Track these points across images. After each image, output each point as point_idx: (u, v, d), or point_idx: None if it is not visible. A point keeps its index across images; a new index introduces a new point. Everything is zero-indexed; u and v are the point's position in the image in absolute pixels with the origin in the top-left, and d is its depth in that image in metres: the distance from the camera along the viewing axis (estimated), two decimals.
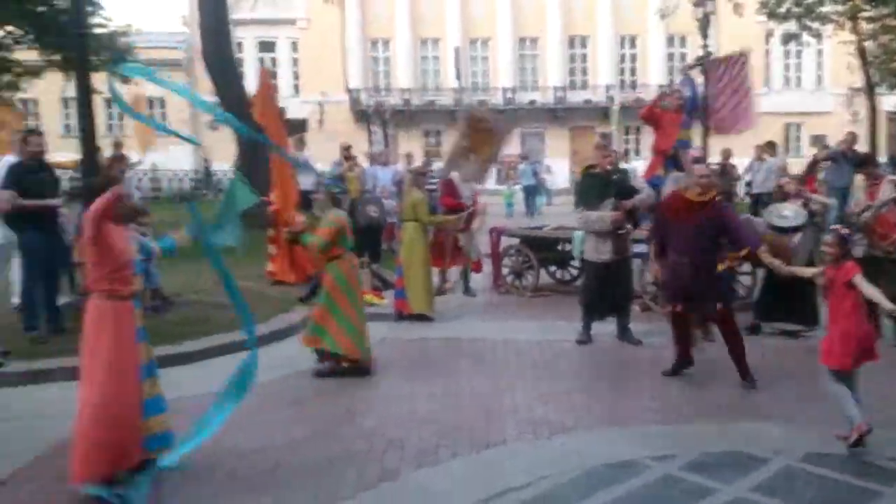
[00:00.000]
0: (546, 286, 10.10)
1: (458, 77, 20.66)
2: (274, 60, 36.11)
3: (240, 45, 32.99)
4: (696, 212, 5.97)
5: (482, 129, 9.45)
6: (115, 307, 4.12)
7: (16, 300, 7.60)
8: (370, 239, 9.61)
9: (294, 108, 29.10)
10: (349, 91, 35.37)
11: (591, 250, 7.40)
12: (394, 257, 9.23)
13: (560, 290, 9.98)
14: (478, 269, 9.86)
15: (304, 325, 6.69)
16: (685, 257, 5.92)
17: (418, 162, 15.52)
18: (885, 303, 4.45)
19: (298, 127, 26.41)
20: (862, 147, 15.22)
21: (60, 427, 4.53)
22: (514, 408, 5.49)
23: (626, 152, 26.55)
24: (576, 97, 36.17)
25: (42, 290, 7.01)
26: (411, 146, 33.23)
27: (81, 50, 7.57)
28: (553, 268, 10.59)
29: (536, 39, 36.94)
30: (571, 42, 36.95)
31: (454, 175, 9.69)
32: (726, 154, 14.36)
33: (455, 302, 9.31)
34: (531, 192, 22.84)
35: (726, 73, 10.04)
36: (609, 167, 7.54)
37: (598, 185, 7.41)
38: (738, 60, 10.08)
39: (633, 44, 36.96)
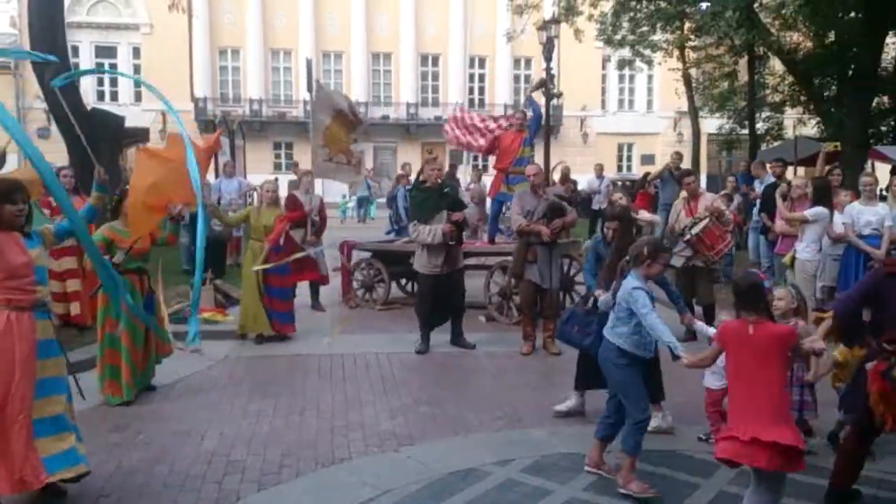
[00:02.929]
0: (397, 299, 10.18)
1: (311, 89, 20.40)
2: (114, 66, 34.15)
3: (75, 49, 31.01)
4: None
5: (340, 120, 9.30)
6: (11, 318, 3.80)
7: None
8: (214, 254, 9.27)
9: (134, 117, 27.61)
10: (194, 100, 34.07)
11: (424, 263, 7.56)
12: (239, 273, 8.94)
13: (410, 303, 10.06)
14: (325, 281, 9.75)
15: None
16: None
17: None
18: None
19: (139, 136, 25.12)
20: (686, 166, 16.52)
21: None
22: (361, 422, 5.47)
23: (477, 168, 27.28)
24: (427, 113, 36.81)
25: None
26: (260, 158, 32.57)
27: None
28: (404, 280, 10.69)
29: (390, 55, 37.30)
30: (424, 60, 37.62)
31: (295, 191, 9.60)
32: (565, 171, 15.09)
33: (303, 317, 9.15)
34: (363, 203, 26.02)
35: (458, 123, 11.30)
36: (439, 181, 7.76)
37: (431, 199, 7.58)
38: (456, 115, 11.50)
39: (482, 64, 38.15)
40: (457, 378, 6.81)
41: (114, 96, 34.92)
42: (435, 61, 37.70)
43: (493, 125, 10.96)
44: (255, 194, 9.61)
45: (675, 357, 3.93)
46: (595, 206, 16.13)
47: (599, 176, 17.05)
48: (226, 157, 13.56)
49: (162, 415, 5.66)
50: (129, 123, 15.38)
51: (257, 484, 4.40)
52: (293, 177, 15.76)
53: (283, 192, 9.93)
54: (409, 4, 36.52)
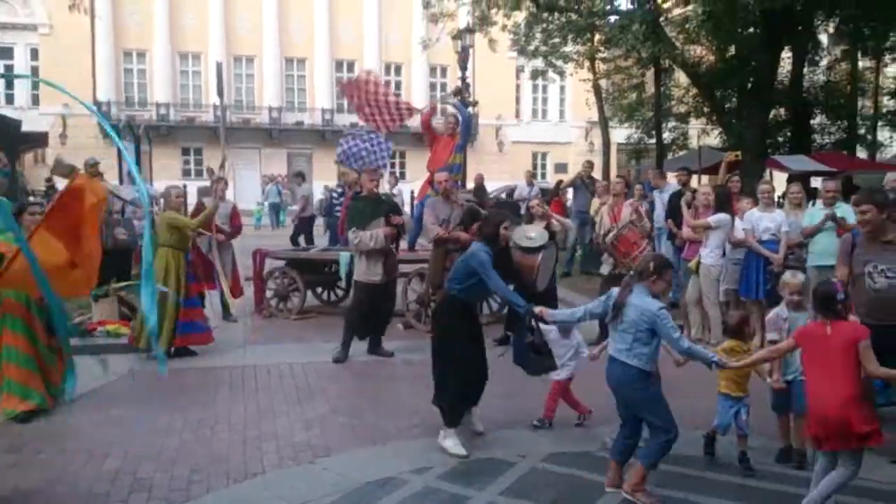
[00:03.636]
0: (312, 308, 10.01)
1: (221, 94, 19.88)
2: (10, 68, 32.47)
3: None
4: None
5: None
6: None
7: None
8: (118, 263, 8.87)
9: (32, 121, 26.31)
10: (97, 104, 32.72)
11: (363, 272, 7.49)
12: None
13: (327, 312, 9.94)
14: (238, 294, 9.45)
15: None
16: None
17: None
18: None
19: (37, 140, 23.91)
20: (597, 175, 16.99)
21: None
22: (274, 434, 5.33)
23: (394, 175, 27.23)
24: (343, 120, 36.52)
25: None
26: (168, 164, 31.54)
27: None
28: (319, 289, 10.54)
29: (304, 60, 36.87)
30: (339, 65, 37.35)
31: (206, 198, 9.34)
32: (479, 179, 15.23)
33: (214, 328, 8.88)
34: (276, 209, 27.06)
35: (363, 91, 10.09)
36: (376, 190, 7.85)
37: (369, 206, 7.60)
38: (367, 79, 9.94)
39: (398, 71, 38.20)
40: (374, 386, 6.74)
41: (9, 99, 33.22)
42: (350, 67, 37.50)
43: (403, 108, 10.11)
44: (162, 201, 9.25)
45: (720, 366, 4.27)
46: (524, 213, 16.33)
47: (529, 184, 17.32)
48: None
49: (62, 432, 5.36)
50: (25, 127, 14.64)
51: (165, 502, 4.22)
52: (203, 183, 15.34)
53: (192, 199, 9.62)
54: (323, 9, 36.24)
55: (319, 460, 4.87)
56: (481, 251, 5.02)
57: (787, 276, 5.03)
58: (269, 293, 9.85)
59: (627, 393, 4.27)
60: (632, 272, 4.49)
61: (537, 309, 4.82)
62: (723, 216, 8.06)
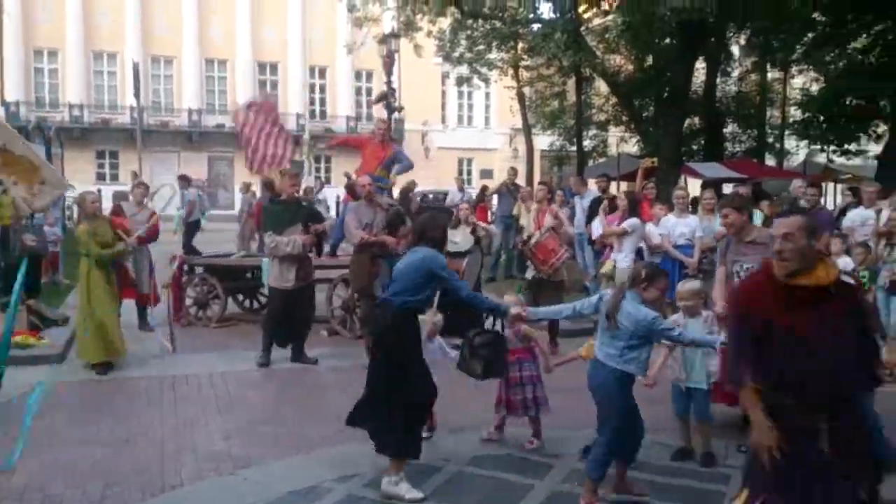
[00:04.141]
0: (234, 315, 9.81)
1: (137, 95, 19.34)
2: None
3: None
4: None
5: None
6: None
7: None
8: (28, 271, 8.46)
9: None
10: (5, 104, 31.22)
11: (276, 277, 7.39)
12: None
13: (248, 320, 9.75)
14: (154, 302, 9.12)
15: None
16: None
17: None
18: None
19: None
20: (521, 181, 17.25)
21: None
22: (193, 446, 5.20)
23: (319, 180, 26.92)
24: None
25: None
26: (81, 168, 30.38)
27: None
28: (241, 296, 10.33)
29: (225, 62, 36.10)
30: (262, 68, 36.73)
31: (124, 202, 9.04)
32: (409, 186, 15.23)
33: (131, 338, 8.58)
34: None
35: (257, 115, 9.92)
36: (296, 195, 7.73)
37: (288, 211, 7.49)
38: (263, 105, 9.88)
39: (322, 74, 37.84)
40: (298, 394, 6.65)
41: None
42: (273, 69, 36.95)
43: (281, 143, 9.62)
44: (76, 207, 8.91)
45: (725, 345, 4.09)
46: None
47: (460, 189, 17.42)
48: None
49: None
50: None
51: None
52: (120, 187, 14.83)
53: (108, 205, 9.30)
54: (245, 10, 35.59)
55: (240, 471, 4.77)
56: (437, 255, 4.58)
57: (679, 284, 5.28)
58: (188, 301, 9.60)
59: (611, 399, 4.17)
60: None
61: (517, 310, 4.71)
62: (635, 220, 8.29)
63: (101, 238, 7.31)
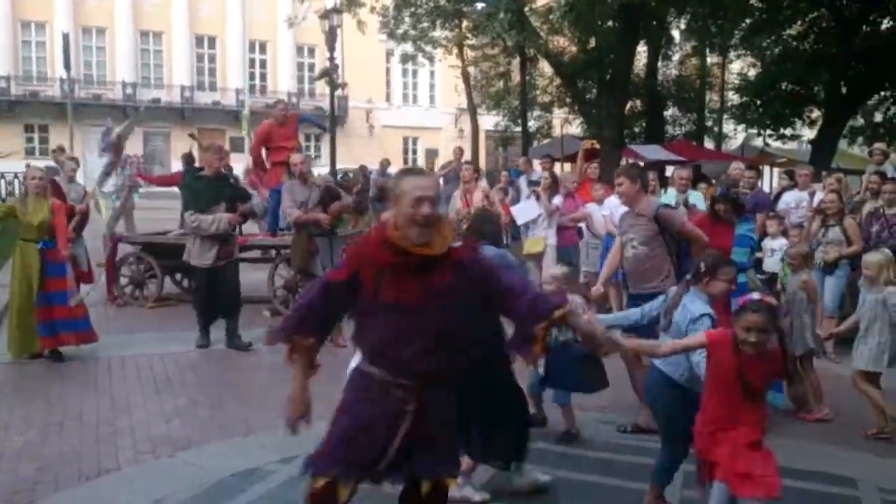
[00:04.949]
0: (172, 295, 9.57)
1: (68, 67, 18.60)
2: None
3: None
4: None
5: None
6: None
7: None
8: None
9: None
10: None
11: (196, 255, 7.17)
12: None
13: (186, 300, 9.49)
14: (89, 279, 8.82)
15: None
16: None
17: None
18: None
19: None
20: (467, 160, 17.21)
21: None
22: (130, 429, 5.05)
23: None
24: (204, 98, 35.06)
25: None
26: (8, 143, 29.10)
27: None
28: (179, 276, 10.06)
29: (161, 34, 34.99)
30: (199, 41, 35.72)
31: (57, 177, 8.66)
32: (363, 169, 15.10)
33: None
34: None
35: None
36: (223, 170, 7.46)
37: (210, 188, 7.17)
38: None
39: (262, 49, 37.01)
40: (238, 376, 6.52)
41: None
42: (212, 43, 35.96)
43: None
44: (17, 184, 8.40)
45: None
46: None
47: (383, 172, 17.26)
48: None
49: None
50: None
51: None
52: (50, 163, 14.22)
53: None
54: None
55: (179, 454, 4.66)
56: (505, 253, 4.26)
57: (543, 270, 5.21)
58: (123, 280, 9.31)
59: (654, 402, 3.88)
60: None
61: (589, 317, 3.91)
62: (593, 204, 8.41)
63: (28, 219, 6.56)
